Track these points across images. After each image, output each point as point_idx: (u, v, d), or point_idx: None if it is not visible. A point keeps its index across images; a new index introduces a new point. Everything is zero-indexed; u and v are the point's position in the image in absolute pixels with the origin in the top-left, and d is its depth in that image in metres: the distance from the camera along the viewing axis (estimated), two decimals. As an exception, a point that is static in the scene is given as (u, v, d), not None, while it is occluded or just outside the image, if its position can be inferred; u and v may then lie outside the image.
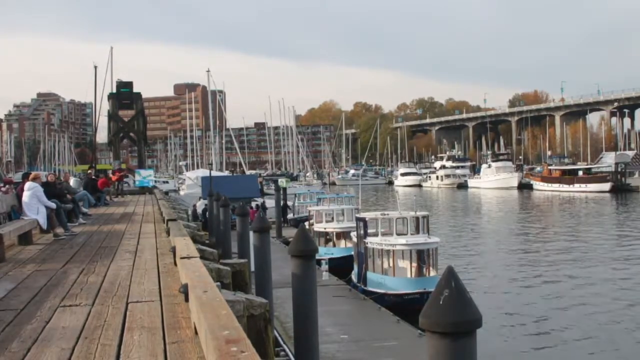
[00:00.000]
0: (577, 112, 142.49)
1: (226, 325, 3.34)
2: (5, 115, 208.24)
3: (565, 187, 77.48)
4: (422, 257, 19.81)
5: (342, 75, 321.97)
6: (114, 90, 58.80)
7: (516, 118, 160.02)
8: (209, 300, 4.02)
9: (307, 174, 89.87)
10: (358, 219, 22.21)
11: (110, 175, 36.44)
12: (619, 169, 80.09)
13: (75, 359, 4.08)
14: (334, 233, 27.96)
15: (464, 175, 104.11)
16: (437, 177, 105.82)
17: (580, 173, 79.94)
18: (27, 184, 13.09)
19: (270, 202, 39.59)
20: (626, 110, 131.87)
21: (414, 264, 19.77)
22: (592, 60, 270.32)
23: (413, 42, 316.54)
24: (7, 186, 15.93)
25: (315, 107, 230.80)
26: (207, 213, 27.11)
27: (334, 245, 27.43)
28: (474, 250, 31.65)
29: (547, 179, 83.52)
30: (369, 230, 21.02)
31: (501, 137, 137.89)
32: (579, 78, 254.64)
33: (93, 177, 27.36)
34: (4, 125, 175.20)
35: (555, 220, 47.23)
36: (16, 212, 13.59)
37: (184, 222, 12.78)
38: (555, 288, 22.22)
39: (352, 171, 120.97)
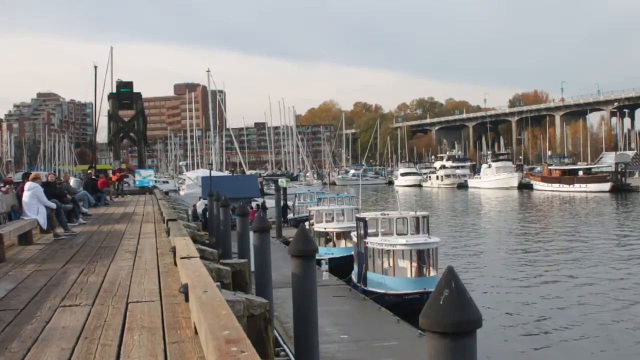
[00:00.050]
0: (577, 112, 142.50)
1: (226, 325, 3.34)
2: (5, 115, 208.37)
3: (565, 187, 77.48)
4: (422, 257, 19.81)
5: (342, 75, 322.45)
6: (114, 90, 58.80)
7: (516, 118, 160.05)
8: (209, 300, 4.02)
9: (307, 174, 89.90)
10: (358, 219, 22.21)
11: (111, 175, 36.51)
12: (619, 169, 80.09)
13: (75, 359, 4.08)
14: (334, 233, 27.96)
15: (464, 175, 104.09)
16: (437, 177, 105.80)
17: (581, 173, 79.94)
18: (27, 184, 13.09)
19: (270, 202, 39.59)
20: (626, 110, 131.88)
21: (414, 264, 19.77)
22: (592, 60, 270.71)
23: (413, 42, 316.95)
24: (7, 186, 15.93)
25: (315, 107, 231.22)
26: (207, 213, 27.11)
27: (334, 245, 27.43)
28: (474, 250, 31.65)
29: (547, 179, 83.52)
30: (369, 230, 21.02)
31: (501, 137, 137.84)
32: (579, 78, 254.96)
33: (93, 177, 27.38)
34: (4, 125, 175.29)
35: (555, 220, 47.22)
36: (16, 212, 13.60)
37: (184, 222, 12.78)
38: (555, 288, 22.23)
39: (352, 171, 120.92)
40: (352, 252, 23.11)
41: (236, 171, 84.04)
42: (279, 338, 12.51)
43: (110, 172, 44.53)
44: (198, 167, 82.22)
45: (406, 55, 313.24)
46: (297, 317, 7.65)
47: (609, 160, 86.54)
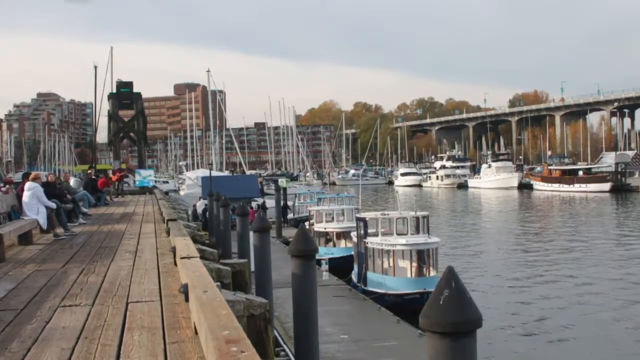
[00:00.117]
0: (577, 112, 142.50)
1: (226, 325, 3.34)
2: (5, 115, 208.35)
3: (566, 187, 77.49)
4: (422, 257, 19.82)
5: (342, 75, 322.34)
6: (114, 90, 58.80)
7: (516, 118, 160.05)
8: (209, 300, 4.02)
9: (307, 174, 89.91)
10: (358, 219, 22.21)
11: (111, 175, 36.50)
12: (619, 169, 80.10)
13: (75, 359, 4.08)
14: (334, 233, 27.96)
15: (464, 175, 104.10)
16: (437, 177, 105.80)
17: (581, 173, 79.95)
18: (27, 184, 13.09)
19: (270, 202, 39.60)
20: (626, 110, 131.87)
21: (414, 264, 19.78)
22: (592, 60, 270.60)
23: (413, 42, 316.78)
24: (7, 186, 15.93)
25: (315, 107, 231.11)
26: (207, 213, 27.11)
27: (334, 245, 27.43)
28: (474, 250, 31.65)
29: (547, 179, 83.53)
30: (369, 230, 21.02)
31: (501, 137, 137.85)
32: (579, 78, 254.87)
33: (93, 177, 27.38)
34: (4, 125, 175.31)
35: (555, 220, 47.23)
36: (16, 212, 13.60)
37: (184, 222, 12.78)
38: (555, 288, 22.23)
39: (352, 171, 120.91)
40: (352, 252, 23.11)
41: (236, 171, 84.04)
42: (279, 338, 12.51)
43: (110, 172, 44.53)
44: (198, 167, 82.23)
45: (406, 55, 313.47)
46: (297, 317, 7.65)
47: (609, 160, 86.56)
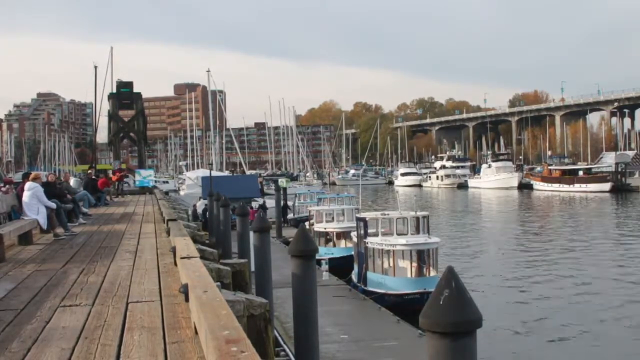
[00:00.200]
0: (577, 112, 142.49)
1: (226, 325, 3.34)
2: (5, 115, 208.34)
3: (566, 187, 77.49)
4: (422, 257, 19.82)
5: (342, 75, 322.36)
6: (114, 90, 58.80)
7: (516, 118, 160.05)
8: (209, 300, 4.02)
9: (307, 174, 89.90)
10: (358, 219, 22.21)
11: (111, 175, 36.51)
12: (619, 169, 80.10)
13: (75, 359, 4.08)
14: (334, 233, 27.97)
15: (464, 175, 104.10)
16: (437, 177, 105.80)
17: (581, 173, 79.95)
18: (27, 184, 13.09)
19: (270, 202, 39.60)
20: (626, 110, 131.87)
21: (414, 264, 19.78)
22: (592, 60, 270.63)
23: (413, 42, 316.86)
24: (7, 186, 15.93)
25: (315, 107, 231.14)
26: (207, 213, 27.11)
27: (334, 245, 27.43)
28: (474, 250, 31.65)
29: (547, 179, 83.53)
30: (369, 230, 21.02)
31: (501, 137, 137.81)
32: (579, 78, 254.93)
33: (93, 177, 27.38)
34: (4, 125, 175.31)
35: (555, 220, 47.23)
36: (16, 212, 13.60)
37: (184, 222, 12.78)
38: (555, 288, 22.22)
39: (352, 171, 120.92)
40: (352, 252, 23.11)
41: (236, 171, 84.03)
42: (279, 338, 12.51)
43: (110, 172, 44.53)
44: (198, 167, 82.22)
45: (406, 55, 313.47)
46: (297, 317, 7.65)
47: (609, 160, 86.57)
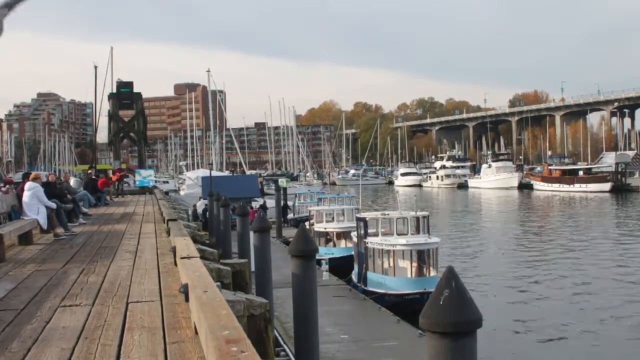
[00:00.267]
0: (577, 112, 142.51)
1: (226, 325, 3.34)
2: (6, 115, 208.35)
3: (566, 187, 77.49)
4: (423, 257, 19.82)
5: (342, 75, 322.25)
6: (114, 90, 58.74)
7: (516, 118, 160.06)
8: (209, 300, 4.02)
9: (308, 174, 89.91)
10: (358, 219, 22.22)
11: (111, 175, 36.51)
12: (619, 169, 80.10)
13: (75, 359, 4.09)
14: (334, 233, 27.97)
15: (464, 175, 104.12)
16: (437, 177, 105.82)
17: (581, 173, 79.96)
18: (28, 184, 13.09)
19: (270, 202, 39.61)
20: (626, 110, 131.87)
21: (414, 264, 19.78)
22: (592, 60, 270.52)
23: (413, 42, 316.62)
24: (7, 186, 15.92)
25: (315, 107, 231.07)
26: (207, 213, 27.12)
27: (334, 245, 27.44)
28: (474, 250, 31.65)
29: (548, 179, 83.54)
30: (369, 230, 21.02)
31: (501, 137, 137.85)
32: (579, 78, 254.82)
33: (93, 177, 27.40)
34: (4, 125, 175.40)
35: (556, 220, 47.23)
36: (16, 212, 13.59)
37: (184, 222, 12.78)
38: (555, 288, 22.23)
39: (352, 171, 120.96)
40: (352, 252, 23.11)
41: (236, 171, 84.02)
42: (279, 338, 12.51)
43: (110, 172, 44.54)
44: (198, 167, 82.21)
45: (406, 55, 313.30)
46: (297, 317, 7.65)
47: (609, 160, 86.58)
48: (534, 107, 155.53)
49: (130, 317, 5.11)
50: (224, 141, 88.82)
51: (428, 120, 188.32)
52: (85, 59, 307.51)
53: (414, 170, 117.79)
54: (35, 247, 10.85)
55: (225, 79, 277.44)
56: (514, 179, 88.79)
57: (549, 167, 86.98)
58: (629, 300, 20.05)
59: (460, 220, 47.65)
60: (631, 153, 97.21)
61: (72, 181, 24.07)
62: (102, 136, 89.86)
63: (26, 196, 12.78)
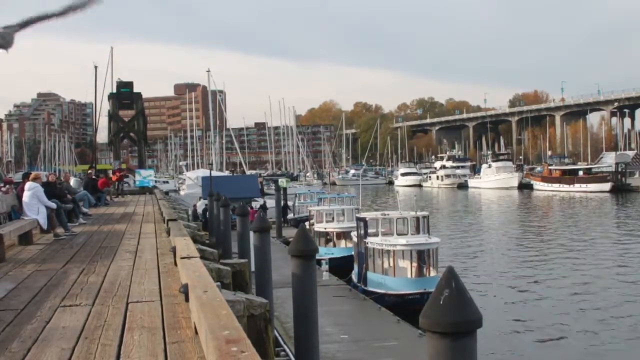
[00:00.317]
0: (577, 112, 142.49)
1: (226, 325, 3.34)
2: (6, 115, 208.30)
3: (566, 187, 77.48)
4: (423, 257, 19.82)
5: (342, 75, 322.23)
6: (114, 90, 58.78)
7: (516, 118, 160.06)
8: (209, 300, 4.02)
9: (308, 174, 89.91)
10: (358, 219, 22.22)
11: (111, 175, 36.50)
12: (619, 169, 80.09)
13: (75, 359, 4.09)
14: (334, 233, 27.97)
15: (464, 175, 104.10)
16: (437, 177, 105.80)
17: (581, 173, 79.95)
18: (28, 184, 13.09)
19: (270, 202, 39.61)
20: (626, 110, 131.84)
21: (415, 264, 19.77)
22: (592, 60, 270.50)
23: (413, 42, 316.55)
24: (7, 186, 15.92)
25: (315, 107, 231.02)
26: (207, 213, 27.12)
27: (334, 245, 27.44)
28: (474, 250, 31.64)
29: (548, 179, 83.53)
30: (370, 230, 21.02)
31: (501, 137, 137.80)
32: (579, 78, 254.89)
33: (93, 177, 27.39)
34: (4, 125, 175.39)
35: (556, 220, 47.23)
36: (16, 212, 13.59)
37: (184, 222, 12.78)
38: (555, 288, 22.22)
39: (352, 171, 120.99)
40: (352, 252, 23.11)
41: (236, 171, 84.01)
42: (279, 338, 12.51)
43: (110, 172, 44.53)
44: (198, 167, 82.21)
45: (406, 55, 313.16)
46: (297, 317, 7.65)
47: (609, 160, 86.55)
48: (534, 107, 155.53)
49: (130, 317, 5.11)
50: (224, 141, 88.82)
51: (428, 120, 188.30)
52: (85, 59, 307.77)
53: (414, 170, 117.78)
54: (35, 247, 10.85)
55: (225, 79, 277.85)
56: (514, 179, 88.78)
57: (549, 167, 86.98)
58: (629, 300, 20.05)
59: (460, 220, 47.65)
60: (631, 153, 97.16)
61: (72, 181, 24.07)
62: (102, 136, 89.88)
63: (26, 196, 12.78)
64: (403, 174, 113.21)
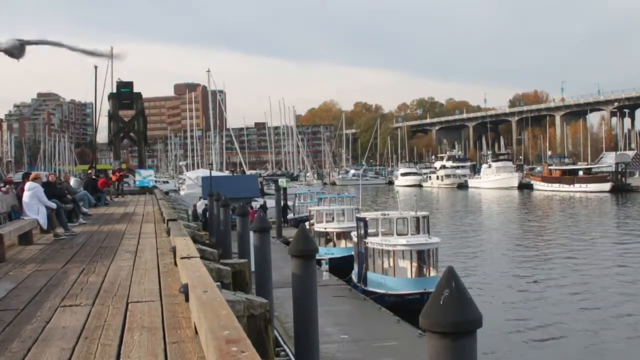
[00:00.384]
0: (577, 112, 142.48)
1: (226, 325, 3.34)
2: (6, 115, 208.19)
3: (566, 187, 77.47)
4: (423, 257, 19.82)
5: (342, 75, 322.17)
6: (114, 90, 58.75)
7: (516, 118, 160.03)
8: (209, 300, 4.02)
9: (308, 174, 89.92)
10: (358, 219, 22.21)
11: (111, 175, 36.49)
12: (619, 169, 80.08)
13: (75, 359, 4.09)
14: (334, 233, 27.97)
15: (464, 175, 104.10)
16: (437, 177, 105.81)
17: (581, 173, 79.94)
18: (28, 184, 13.09)
19: (270, 202, 39.61)
20: (626, 110, 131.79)
21: (414, 264, 19.78)
22: (592, 60, 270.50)
23: (413, 42, 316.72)
24: (7, 186, 15.92)
25: (315, 107, 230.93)
26: (207, 213, 27.11)
27: (334, 245, 27.44)
28: (474, 250, 31.64)
29: (548, 179, 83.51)
30: (370, 230, 21.02)
31: (501, 137, 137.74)
32: (579, 78, 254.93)
33: (93, 177, 27.38)
34: (4, 125, 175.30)
35: (556, 220, 47.22)
36: (16, 212, 13.59)
37: (184, 222, 12.78)
38: (555, 288, 22.22)
39: (352, 171, 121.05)
40: (352, 252, 23.11)
41: (236, 171, 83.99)
42: (279, 338, 12.51)
43: (110, 172, 44.51)
44: (198, 167, 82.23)
45: (406, 55, 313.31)
46: (297, 317, 7.65)
47: (609, 160, 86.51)
48: (534, 107, 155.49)
49: (130, 317, 5.11)
50: (224, 141, 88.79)
51: (428, 120, 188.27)
52: (87, 58, 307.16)
53: (414, 170, 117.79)
54: (35, 247, 10.85)
55: (225, 79, 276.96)
56: (514, 179, 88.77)
57: (549, 167, 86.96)
58: (629, 300, 20.05)
59: (460, 220, 47.64)
60: (631, 153, 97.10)
61: (72, 181, 24.06)
62: (102, 136, 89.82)
63: (26, 196, 12.78)
64: (403, 174, 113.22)
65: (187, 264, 5.90)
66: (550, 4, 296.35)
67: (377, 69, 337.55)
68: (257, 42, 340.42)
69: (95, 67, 55.87)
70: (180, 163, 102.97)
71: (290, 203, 41.88)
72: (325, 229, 28.17)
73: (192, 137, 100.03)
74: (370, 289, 19.55)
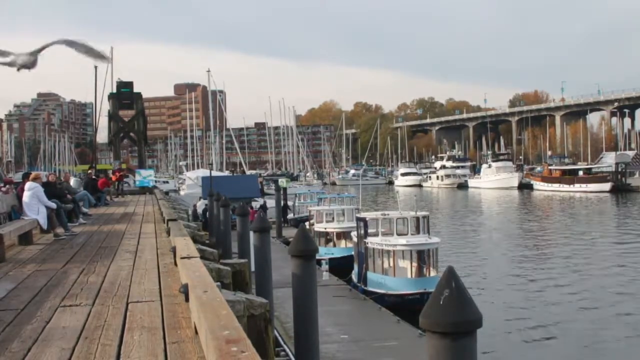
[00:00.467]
0: (577, 112, 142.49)
1: (226, 325, 3.34)
2: (6, 115, 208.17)
3: (566, 187, 77.46)
4: (423, 257, 19.82)
5: (342, 75, 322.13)
6: (114, 90, 58.75)
7: (516, 118, 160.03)
8: (209, 300, 4.02)
9: (308, 174, 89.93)
10: (358, 219, 22.22)
11: (111, 175, 36.49)
12: (619, 169, 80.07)
13: (75, 359, 4.09)
14: (334, 233, 27.97)
15: (464, 175, 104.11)
16: (437, 177, 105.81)
17: (581, 173, 79.93)
18: (28, 184, 13.09)
19: (270, 202, 39.61)
20: (626, 110, 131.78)
21: (414, 264, 19.78)
22: (592, 60, 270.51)
23: (413, 42, 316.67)
24: (7, 186, 15.91)
25: (315, 107, 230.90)
26: (207, 213, 27.11)
27: (334, 245, 27.44)
28: (474, 250, 31.64)
29: (548, 179, 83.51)
30: (370, 230, 21.02)
31: (501, 137, 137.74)
32: (579, 78, 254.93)
33: (93, 177, 27.38)
34: (4, 125, 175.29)
35: (556, 220, 47.22)
36: (16, 212, 13.59)
37: (184, 222, 12.78)
38: (555, 288, 22.22)
39: (352, 171, 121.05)
40: (352, 252, 23.11)
41: (236, 171, 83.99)
42: (279, 338, 12.51)
43: (110, 172, 44.52)
44: (198, 167, 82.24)
45: (406, 55, 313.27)
46: (297, 317, 7.65)
47: (609, 160, 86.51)
48: (534, 107, 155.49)
49: (130, 317, 5.11)
50: (224, 141, 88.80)
51: (428, 120, 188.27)
52: (86, 59, 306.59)
53: (414, 170, 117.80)
54: (35, 247, 10.85)
55: (225, 79, 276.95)
56: (514, 179, 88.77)
57: (549, 167, 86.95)
58: (629, 300, 20.06)
59: (460, 220, 47.63)
60: (631, 153, 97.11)
61: (72, 181, 24.06)
62: (102, 136, 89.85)
63: (26, 196, 12.78)
64: (403, 174, 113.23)
65: (187, 264, 5.90)
66: (550, 4, 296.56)
67: (377, 69, 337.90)
68: (257, 42, 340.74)
69: (95, 67, 55.76)
70: (180, 163, 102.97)
71: (290, 203, 41.88)
72: (325, 229, 28.17)
73: (192, 137, 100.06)
74: (370, 289, 19.55)
